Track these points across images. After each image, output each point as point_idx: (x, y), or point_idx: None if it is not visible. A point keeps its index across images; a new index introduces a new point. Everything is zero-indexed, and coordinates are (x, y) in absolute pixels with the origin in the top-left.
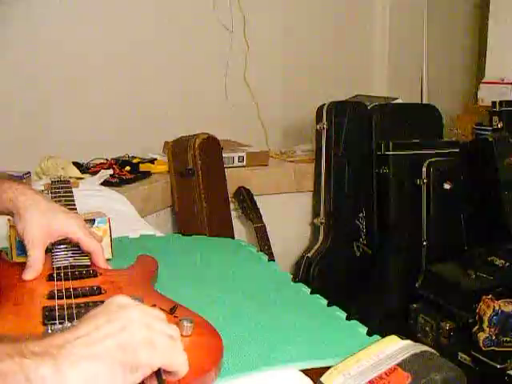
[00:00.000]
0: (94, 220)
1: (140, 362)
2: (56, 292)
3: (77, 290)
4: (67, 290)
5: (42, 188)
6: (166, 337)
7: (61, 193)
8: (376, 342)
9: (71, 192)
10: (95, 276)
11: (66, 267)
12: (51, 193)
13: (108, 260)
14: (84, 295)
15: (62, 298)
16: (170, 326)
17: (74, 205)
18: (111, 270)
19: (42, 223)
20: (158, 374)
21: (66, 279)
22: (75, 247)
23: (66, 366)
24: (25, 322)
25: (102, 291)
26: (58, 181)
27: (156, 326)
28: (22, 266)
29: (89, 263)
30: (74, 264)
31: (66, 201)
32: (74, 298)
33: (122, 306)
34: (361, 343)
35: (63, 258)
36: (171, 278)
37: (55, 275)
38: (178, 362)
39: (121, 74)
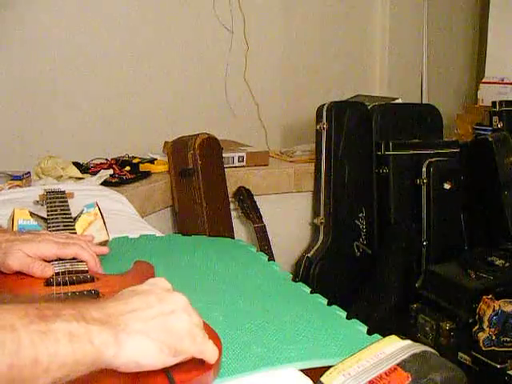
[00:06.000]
0: (83, 209)
1: (182, 349)
2: (55, 296)
3: (75, 294)
4: (65, 294)
5: (38, 199)
6: (200, 328)
7: (56, 203)
8: (376, 342)
9: (66, 202)
10: (92, 281)
11: (63, 273)
12: (46, 203)
13: (106, 241)
14: None
15: None
16: (198, 315)
17: (70, 215)
18: (108, 275)
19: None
20: (168, 374)
21: (64, 284)
22: None
23: (123, 336)
24: None
25: (100, 295)
26: (52, 191)
27: (194, 316)
28: (20, 272)
29: (86, 268)
30: (71, 269)
31: (61, 210)
32: None
33: (168, 290)
34: (361, 343)
35: (61, 264)
36: (171, 278)
37: (53, 280)
38: (210, 351)
39: (121, 74)
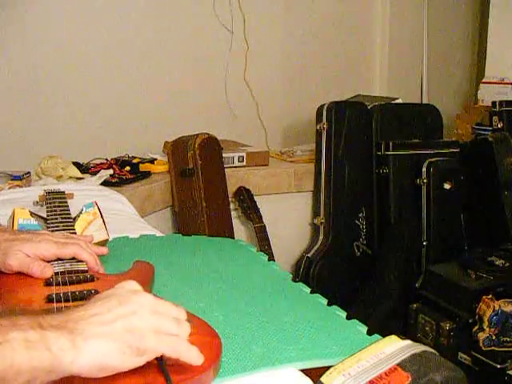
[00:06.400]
0: (82, 209)
1: (146, 348)
2: (55, 296)
3: (75, 293)
4: (65, 294)
5: (37, 199)
6: (173, 324)
7: (55, 203)
8: (376, 342)
9: (66, 203)
10: (92, 280)
11: (63, 272)
12: (46, 204)
13: (106, 240)
14: (82, 299)
15: (61, 302)
16: (177, 309)
17: (70, 215)
18: (108, 274)
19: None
20: (165, 373)
21: (64, 284)
22: None
23: (80, 341)
24: None
25: None
26: (52, 192)
27: (164, 314)
28: (19, 272)
29: (86, 268)
30: (70, 269)
31: (61, 211)
32: (72, 301)
33: (133, 292)
34: (361, 343)
35: (60, 264)
36: (171, 278)
37: (53, 280)
38: (184, 349)
39: (121, 74)
